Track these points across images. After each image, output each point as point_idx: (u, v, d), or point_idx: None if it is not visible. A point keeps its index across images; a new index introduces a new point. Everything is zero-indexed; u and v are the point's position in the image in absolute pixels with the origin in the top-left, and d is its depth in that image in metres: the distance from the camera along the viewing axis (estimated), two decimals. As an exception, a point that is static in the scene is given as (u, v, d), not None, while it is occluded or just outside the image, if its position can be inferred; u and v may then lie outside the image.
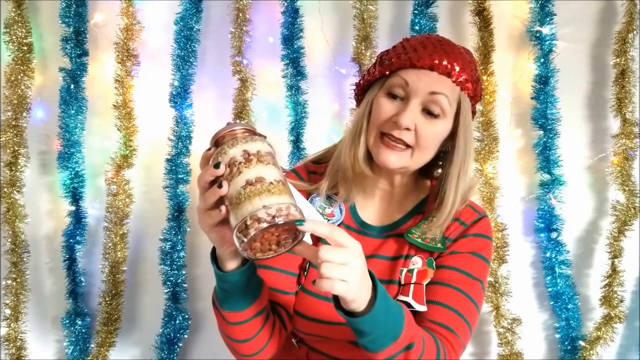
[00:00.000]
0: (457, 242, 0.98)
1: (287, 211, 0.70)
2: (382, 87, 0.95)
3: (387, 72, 0.95)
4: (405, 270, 0.96)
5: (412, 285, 0.94)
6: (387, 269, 0.98)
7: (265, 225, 0.69)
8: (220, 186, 0.71)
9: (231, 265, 0.82)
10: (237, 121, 0.76)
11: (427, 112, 0.92)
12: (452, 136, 0.96)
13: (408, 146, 0.93)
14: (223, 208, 0.72)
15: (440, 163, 1.01)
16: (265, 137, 0.78)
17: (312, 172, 1.07)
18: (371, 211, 1.04)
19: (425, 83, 0.91)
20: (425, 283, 0.95)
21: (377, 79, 0.97)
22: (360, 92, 1.02)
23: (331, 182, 1.01)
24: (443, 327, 0.90)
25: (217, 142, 0.76)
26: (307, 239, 0.78)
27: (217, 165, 0.73)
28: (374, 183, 1.02)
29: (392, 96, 0.94)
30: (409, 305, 0.92)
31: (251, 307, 0.87)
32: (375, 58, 1.01)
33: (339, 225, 0.99)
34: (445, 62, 0.91)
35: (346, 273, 0.71)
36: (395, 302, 0.82)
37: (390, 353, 0.80)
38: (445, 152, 0.99)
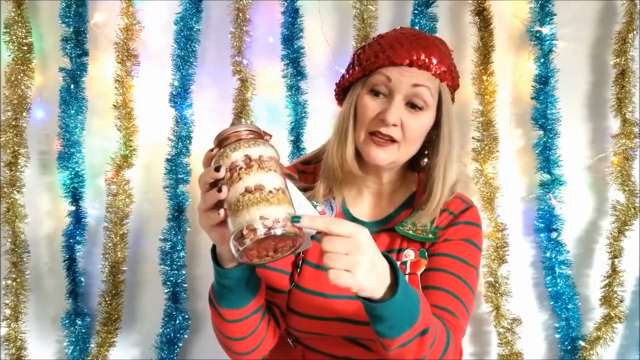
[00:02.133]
0: (447, 230, 0.99)
1: (284, 222, 0.70)
2: (364, 86, 0.97)
3: (367, 72, 0.97)
4: (398, 263, 0.97)
5: (406, 276, 0.95)
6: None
7: (261, 236, 0.69)
8: (219, 190, 0.72)
9: (232, 262, 0.82)
10: (243, 121, 0.76)
11: (411, 106, 0.95)
12: (436, 126, 0.99)
13: (394, 141, 0.95)
14: (222, 212, 0.72)
15: (426, 152, 1.02)
16: (270, 137, 0.78)
17: (301, 172, 1.08)
18: (362, 208, 1.05)
19: (407, 77, 0.93)
20: (419, 273, 0.96)
21: (357, 78, 0.99)
22: (341, 91, 1.04)
23: (327, 186, 1.02)
24: (443, 309, 0.91)
25: (221, 142, 0.76)
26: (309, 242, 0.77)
27: (217, 169, 0.72)
28: (363, 181, 1.03)
29: (375, 93, 0.96)
30: None
31: (249, 305, 0.87)
32: (352, 57, 1.02)
33: None
34: (423, 57, 0.93)
35: (350, 263, 0.70)
36: (409, 285, 0.80)
37: (407, 338, 0.78)
38: (430, 142, 1.01)
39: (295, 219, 0.71)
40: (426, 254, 0.98)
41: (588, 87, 1.67)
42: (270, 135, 0.78)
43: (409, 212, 1.02)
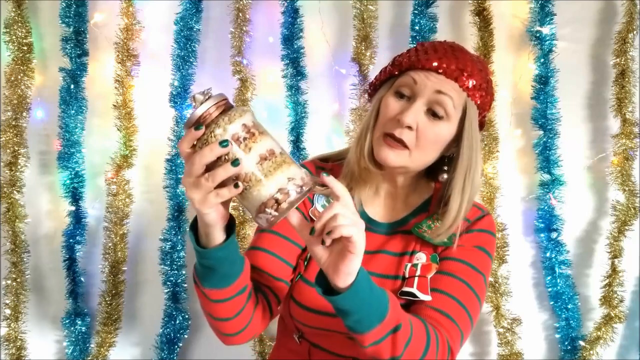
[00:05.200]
0: (462, 236, 0.99)
1: (307, 177, 0.72)
2: (392, 87, 0.98)
3: (397, 72, 0.97)
4: (409, 265, 0.98)
5: (416, 278, 0.96)
6: (393, 264, 0.99)
7: (297, 196, 0.70)
8: (236, 164, 0.70)
9: (216, 241, 0.82)
10: (204, 91, 0.73)
11: (431, 113, 0.94)
12: (457, 142, 0.97)
13: (407, 147, 0.94)
14: (241, 185, 0.71)
15: (446, 168, 1.01)
16: (227, 99, 0.76)
17: (319, 168, 1.09)
18: (377, 208, 1.05)
19: (433, 82, 0.93)
20: (429, 276, 0.96)
21: (387, 78, 1.00)
22: (372, 91, 1.05)
23: (347, 184, 1.02)
24: (442, 314, 0.91)
25: (201, 120, 0.73)
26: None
27: (224, 143, 0.71)
28: (379, 180, 1.04)
29: (400, 95, 0.96)
30: (413, 295, 0.94)
31: (233, 285, 0.87)
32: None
33: None
34: (453, 67, 0.93)
35: (357, 224, 0.74)
36: (375, 284, 0.82)
37: (378, 336, 0.80)
38: (451, 158, 1.00)
39: (325, 173, 0.74)
40: (438, 258, 0.98)
41: (588, 87, 1.67)
42: (226, 98, 0.76)
43: (424, 216, 1.02)
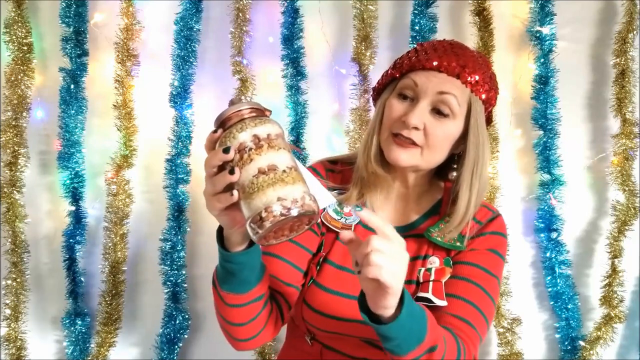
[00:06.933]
0: (474, 240, 0.99)
1: (302, 201, 0.69)
2: (394, 89, 0.98)
3: (398, 75, 0.97)
4: (423, 269, 0.98)
5: (431, 283, 0.95)
6: (406, 269, 0.99)
7: (281, 218, 0.68)
8: (232, 173, 0.70)
9: (238, 246, 0.82)
10: (242, 98, 0.74)
11: (437, 112, 0.94)
12: (465, 138, 0.97)
13: (418, 145, 0.94)
14: (235, 193, 0.71)
15: (455, 166, 1.02)
16: (270, 112, 0.76)
17: (329, 170, 1.08)
18: (388, 212, 1.05)
19: (435, 83, 0.93)
20: (443, 281, 0.96)
21: (389, 81, 1.00)
22: (376, 95, 1.05)
23: (359, 190, 1.02)
24: (462, 320, 0.91)
25: (223, 123, 0.74)
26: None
27: (226, 150, 0.71)
28: (389, 183, 1.03)
29: (403, 97, 0.96)
30: (429, 300, 0.93)
31: (252, 292, 0.87)
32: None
33: (356, 225, 1.00)
34: (454, 64, 0.93)
35: (395, 264, 0.71)
36: (417, 305, 0.81)
37: (414, 355, 0.79)
38: (460, 156, 1.00)
39: (357, 207, 0.72)
40: (451, 262, 0.98)
41: (588, 87, 1.67)
42: (270, 111, 0.77)
43: (436, 219, 1.02)
